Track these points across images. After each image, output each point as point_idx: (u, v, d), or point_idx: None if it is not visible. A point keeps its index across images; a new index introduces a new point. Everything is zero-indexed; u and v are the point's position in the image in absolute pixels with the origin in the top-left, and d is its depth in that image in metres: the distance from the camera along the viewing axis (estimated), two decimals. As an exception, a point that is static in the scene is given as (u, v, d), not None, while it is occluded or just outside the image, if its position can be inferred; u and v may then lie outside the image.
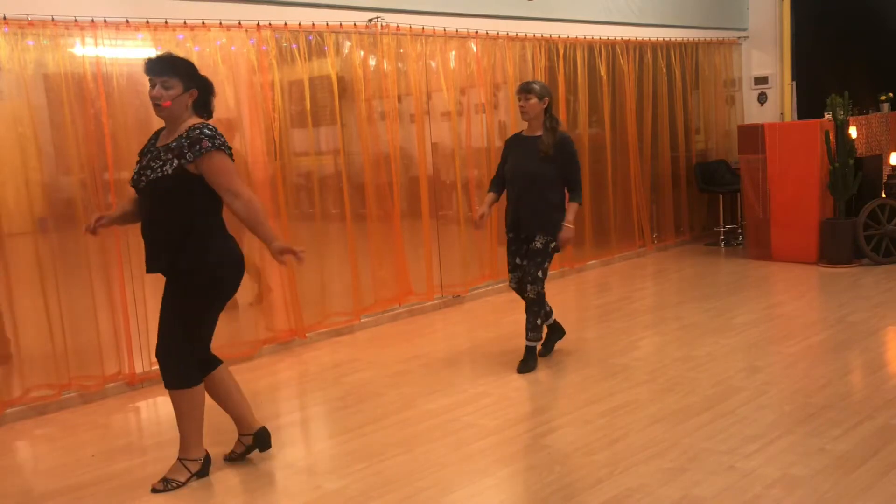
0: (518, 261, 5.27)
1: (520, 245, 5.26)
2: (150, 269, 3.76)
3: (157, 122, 5.31)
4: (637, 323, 6.32)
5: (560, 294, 7.27)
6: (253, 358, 5.89)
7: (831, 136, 7.67)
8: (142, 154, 3.79)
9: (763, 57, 10.02)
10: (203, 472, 3.88)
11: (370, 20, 6.50)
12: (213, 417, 4.15)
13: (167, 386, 3.77)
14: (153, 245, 3.71)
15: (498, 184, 5.38)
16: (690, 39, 9.40)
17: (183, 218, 3.63)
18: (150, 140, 3.84)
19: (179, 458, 3.84)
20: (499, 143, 7.56)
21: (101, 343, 5.24)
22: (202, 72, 3.82)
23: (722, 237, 9.40)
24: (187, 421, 3.79)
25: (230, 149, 3.67)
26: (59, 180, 5.20)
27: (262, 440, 4.06)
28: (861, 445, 3.77)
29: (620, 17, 8.66)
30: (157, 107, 3.65)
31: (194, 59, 4.02)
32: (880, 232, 7.74)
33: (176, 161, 3.58)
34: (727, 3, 9.93)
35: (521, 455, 3.95)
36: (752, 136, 8.34)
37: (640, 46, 8.82)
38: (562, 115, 7.88)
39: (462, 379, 5.17)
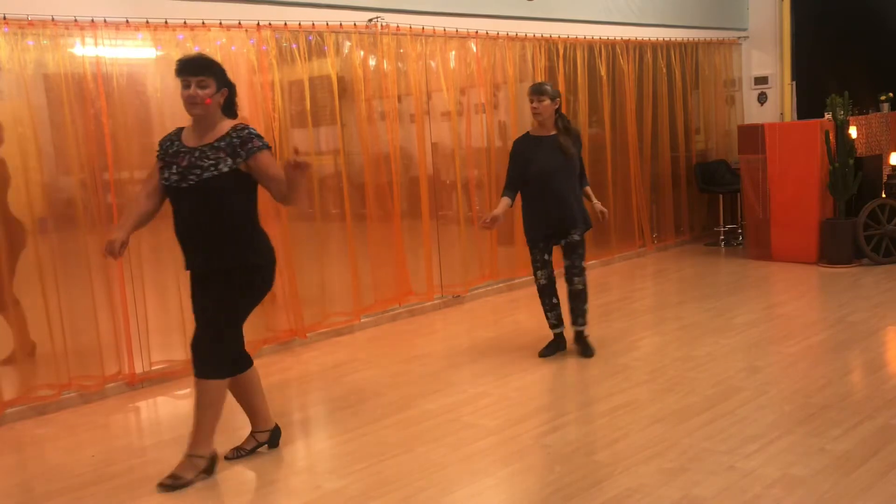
0: (546, 257, 5.35)
1: (549, 242, 5.34)
2: (192, 265, 3.79)
3: (157, 122, 5.39)
4: (637, 323, 6.32)
5: (560, 294, 7.24)
6: (253, 358, 5.86)
7: (831, 136, 7.67)
8: (169, 155, 3.76)
9: (763, 57, 10.01)
10: (210, 469, 3.87)
11: (370, 20, 6.50)
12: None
13: (197, 375, 3.79)
14: (200, 243, 3.73)
15: (513, 189, 5.35)
16: (690, 39, 9.40)
17: (234, 216, 3.71)
18: (171, 142, 3.81)
19: (188, 454, 3.83)
20: (499, 143, 7.57)
21: (101, 343, 5.24)
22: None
23: (722, 237, 9.39)
24: (206, 413, 3.80)
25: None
26: (59, 180, 5.20)
27: (276, 437, 4.19)
28: (861, 445, 3.77)
29: (620, 17, 8.66)
30: (195, 105, 3.66)
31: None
32: (880, 232, 7.74)
33: (230, 160, 3.65)
34: (727, 3, 9.93)
35: (521, 455, 3.94)
36: (752, 136, 8.34)
37: (640, 46, 8.82)
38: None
39: (462, 379, 5.17)
